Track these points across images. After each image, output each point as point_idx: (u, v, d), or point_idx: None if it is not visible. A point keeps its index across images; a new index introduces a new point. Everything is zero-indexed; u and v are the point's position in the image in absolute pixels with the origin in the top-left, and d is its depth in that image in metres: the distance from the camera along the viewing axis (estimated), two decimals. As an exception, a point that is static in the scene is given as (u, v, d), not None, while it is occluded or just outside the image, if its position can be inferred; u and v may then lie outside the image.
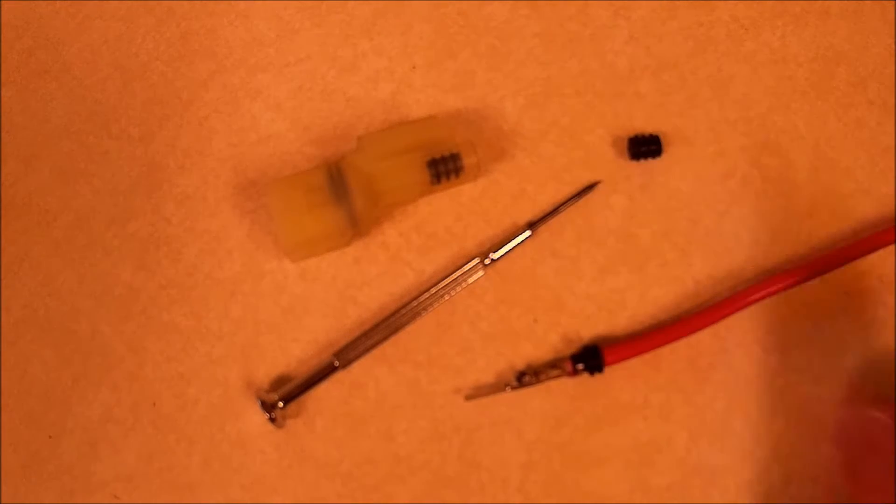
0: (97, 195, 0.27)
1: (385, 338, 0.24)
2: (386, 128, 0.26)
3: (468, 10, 0.28)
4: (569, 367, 0.24)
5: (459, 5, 0.28)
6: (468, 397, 0.25)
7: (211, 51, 0.28)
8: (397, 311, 0.25)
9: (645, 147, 0.26)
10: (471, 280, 0.25)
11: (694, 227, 0.26)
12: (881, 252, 0.25)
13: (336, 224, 0.22)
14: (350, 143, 0.26)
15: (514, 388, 0.24)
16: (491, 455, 0.24)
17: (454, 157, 0.24)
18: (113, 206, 0.27)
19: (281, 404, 0.24)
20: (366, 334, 0.24)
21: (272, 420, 0.24)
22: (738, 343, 0.25)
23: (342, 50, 0.28)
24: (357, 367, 0.25)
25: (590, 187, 0.26)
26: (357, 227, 0.23)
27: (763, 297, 0.24)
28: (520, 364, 0.25)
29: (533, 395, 0.25)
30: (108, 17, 0.29)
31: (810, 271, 0.24)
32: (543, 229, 0.25)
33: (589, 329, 0.25)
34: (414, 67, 0.27)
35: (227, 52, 0.28)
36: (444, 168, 0.23)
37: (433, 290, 0.25)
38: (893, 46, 0.27)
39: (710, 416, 0.24)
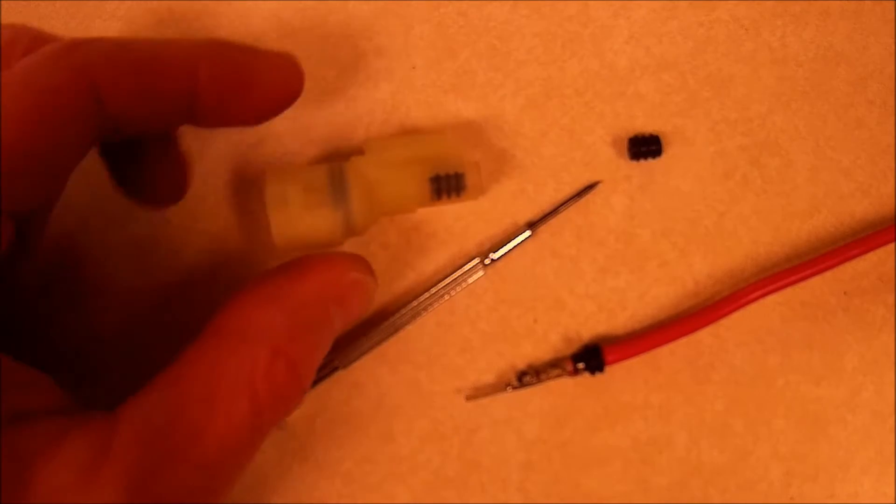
0: (96, 196, 0.27)
1: (385, 338, 0.24)
2: (394, 135, 0.26)
3: (468, 10, 0.28)
4: (569, 366, 0.24)
5: (459, 5, 0.28)
6: (469, 397, 0.25)
7: (211, 51, 0.28)
8: (398, 311, 0.25)
9: (645, 147, 0.26)
10: (471, 280, 0.25)
11: (694, 227, 0.26)
12: (881, 252, 0.25)
13: (331, 225, 0.22)
14: (350, 143, 0.26)
15: (514, 387, 0.24)
16: (491, 455, 0.24)
17: (458, 177, 0.23)
18: (113, 206, 0.27)
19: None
20: (366, 335, 0.24)
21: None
22: (738, 343, 0.25)
23: (342, 50, 0.28)
24: (357, 367, 0.25)
25: (590, 187, 0.26)
26: (351, 230, 0.23)
27: (763, 296, 0.24)
28: (520, 364, 0.25)
29: (533, 395, 0.25)
30: (107, 17, 0.29)
31: (810, 271, 0.24)
32: (543, 229, 0.25)
33: (589, 329, 0.25)
34: (414, 67, 0.27)
35: (227, 52, 0.28)
36: (447, 185, 0.23)
37: (433, 291, 0.25)
38: (893, 46, 0.27)
39: (710, 416, 0.24)
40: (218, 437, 0.18)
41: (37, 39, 0.21)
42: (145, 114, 0.20)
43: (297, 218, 0.22)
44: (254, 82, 0.21)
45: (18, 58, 0.21)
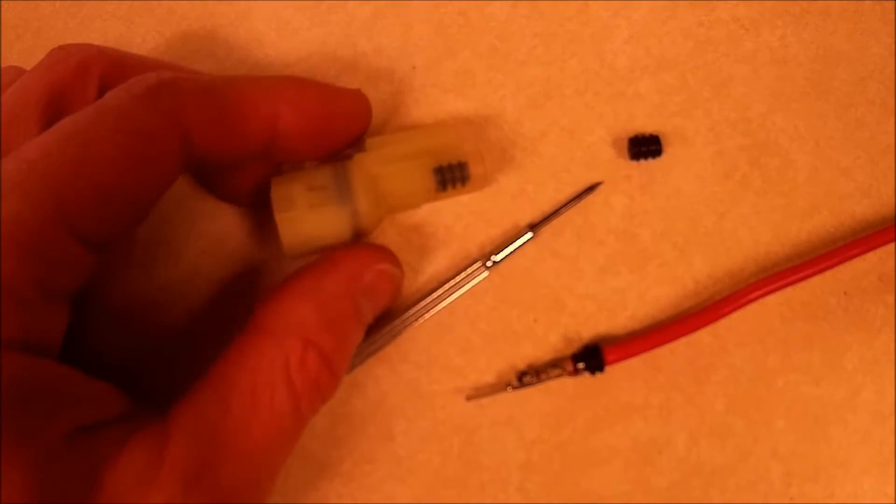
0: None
1: (388, 341, 0.24)
2: (395, 131, 0.26)
3: (468, 10, 0.28)
4: (569, 366, 0.24)
5: (459, 5, 0.28)
6: (469, 397, 0.25)
7: (211, 51, 0.28)
8: (400, 314, 0.25)
9: (645, 147, 0.26)
10: (473, 283, 0.25)
11: (694, 227, 0.26)
12: (881, 252, 0.25)
13: (338, 224, 0.22)
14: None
15: (515, 387, 0.24)
16: (491, 455, 0.24)
17: (461, 166, 0.23)
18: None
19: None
20: (369, 338, 0.24)
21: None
22: (738, 343, 0.25)
23: (342, 50, 0.28)
24: (357, 367, 0.25)
25: (591, 188, 0.26)
26: (358, 228, 0.23)
27: (763, 296, 0.24)
28: (520, 364, 0.25)
29: (533, 395, 0.25)
30: (107, 17, 0.29)
31: (810, 271, 0.24)
32: (543, 229, 0.25)
33: (589, 329, 0.25)
34: (414, 67, 0.27)
35: (227, 52, 0.28)
36: (451, 176, 0.23)
37: (435, 294, 0.25)
38: (893, 46, 0.27)
39: (710, 416, 0.24)
40: (263, 429, 0.19)
41: (115, 62, 0.22)
42: (228, 151, 0.21)
43: (303, 218, 0.22)
44: (332, 122, 0.22)
45: (95, 81, 0.22)
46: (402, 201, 0.24)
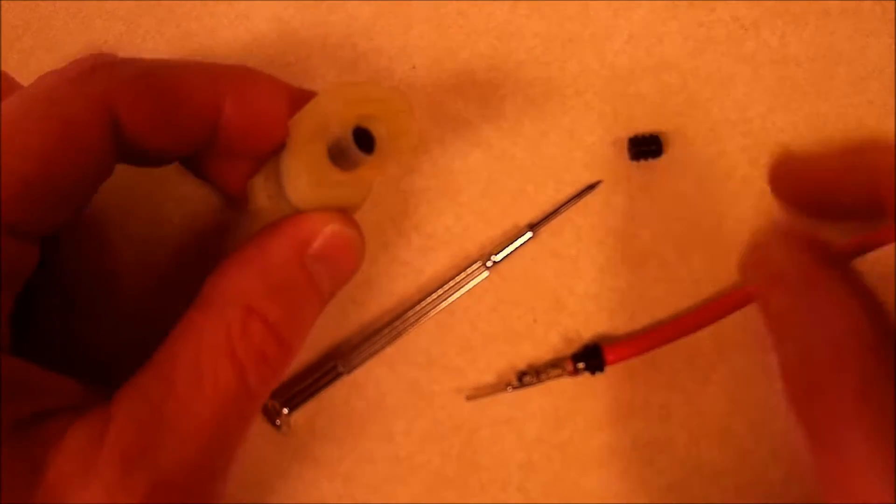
0: (97, 195, 0.27)
1: (389, 342, 0.24)
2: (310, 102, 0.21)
3: (468, 10, 0.28)
4: (570, 366, 0.24)
5: (459, 5, 0.28)
6: (469, 397, 0.25)
7: (211, 51, 0.28)
8: (400, 315, 0.25)
9: (645, 147, 0.26)
10: (473, 283, 0.25)
11: (694, 228, 0.26)
12: (881, 252, 0.25)
13: (281, 211, 0.21)
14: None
15: (515, 387, 0.24)
16: (491, 455, 0.24)
17: (360, 137, 0.19)
18: (113, 206, 0.27)
19: (286, 411, 0.24)
20: (370, 340, 0.24)
21: (277, 427, 0.24)
22: (738, 343, 0.25)
23: (342, 50, 0.28)
24: (357, 367, 0.25)
25: (591, 187, 0.26)
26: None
27: (763, 297, 0.24)
28: (520, 364, 0.25)
29: (533, 395, 0.25)
30: (107, 17, 0.29)
31: (810, 271, 0.24)
32: (543, 229, 0.25)
33: (589, 329, 0.25)
34: (414, 67, 0.27)
35: (228, 53, 0.28)
36: (342, 151, 0.20)
37: (436, 295, 0.25)
38: (893, 46, 0.27)
39: (710, 416, 0.24)
40: (207, 406, 0.18)
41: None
42: (164, 140, 0.20)
43: (260, 207, 0.22)
44: (283, 122, 0.21)
45: None
46: (324, 186, 0.20)
